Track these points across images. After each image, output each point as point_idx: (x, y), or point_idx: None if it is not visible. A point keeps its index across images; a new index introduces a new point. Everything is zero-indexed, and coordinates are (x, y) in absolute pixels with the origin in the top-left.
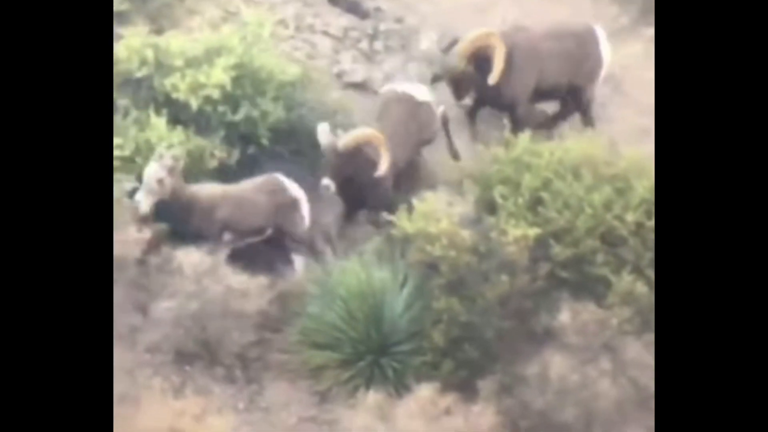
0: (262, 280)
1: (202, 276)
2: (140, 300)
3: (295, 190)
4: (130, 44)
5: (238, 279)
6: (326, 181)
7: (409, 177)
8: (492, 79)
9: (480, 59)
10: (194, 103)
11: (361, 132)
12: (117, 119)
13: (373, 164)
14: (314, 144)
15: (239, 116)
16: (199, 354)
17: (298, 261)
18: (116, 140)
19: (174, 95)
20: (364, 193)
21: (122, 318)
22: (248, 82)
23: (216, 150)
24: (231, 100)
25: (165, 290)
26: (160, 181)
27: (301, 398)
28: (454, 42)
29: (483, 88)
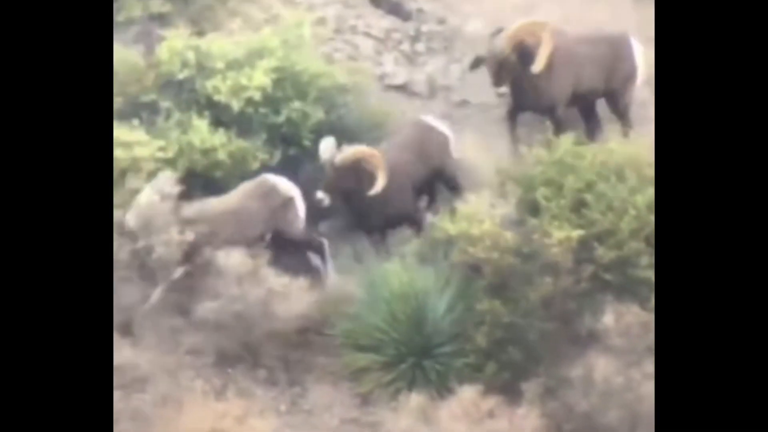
0: (303, 282)
1: (244, 278)
2: (182, 302)
3: (288, 188)
4: (172, 46)
5: (279, 281)
6: (320, 194)
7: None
8: (536, 67)
9: (524, 50)
10: (236, 105)
11: (359, 149)
12: (159, 121)
13: (371, 182)
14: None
15: (281, 118)
16: (241, 356)
17: (315, 259)
18: (159, 142)
19: (216, 97)
20: (364, 209)
21: (164, 320)
22: (290, 84)
23: (258, 152)
24: (272, 102)
25: (207, 292)
26: (150, 205)
27: (343, 400)
28: (500, 30)
29: (522, 82)
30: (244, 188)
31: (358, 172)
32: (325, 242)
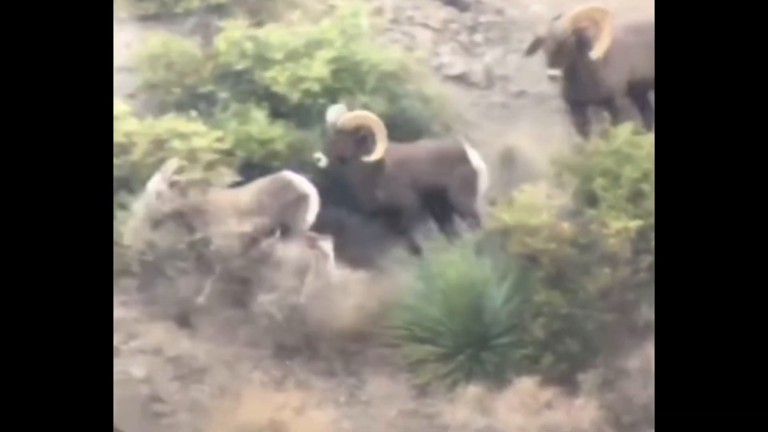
0: (362, 273)
1: (303, 269)
2: (240, 294)
3: (303, 185)
4: (230, 37)
5: (338, 272)
6: (318, 154)
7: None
8: (595, 53)
9: (583, 35)
10: (294, 96)
11: (363, 113)
12: (217, 112)
13: (370, 150)
14: (414, 136)
15: None
16: (299, 348)
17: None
18: (216, 133)
19: (274, 88)
20: (356, 180)
21: (223, 311)
22: (348, 74)
23: (316, 142)
24: (331, 92)
25: (265, 284)
26: (159, 194)
27: (400, 392)
28: (560, 16)
29: (579, 68)
30: (259, 183)
31: (358, 138)
32: (328, 240)
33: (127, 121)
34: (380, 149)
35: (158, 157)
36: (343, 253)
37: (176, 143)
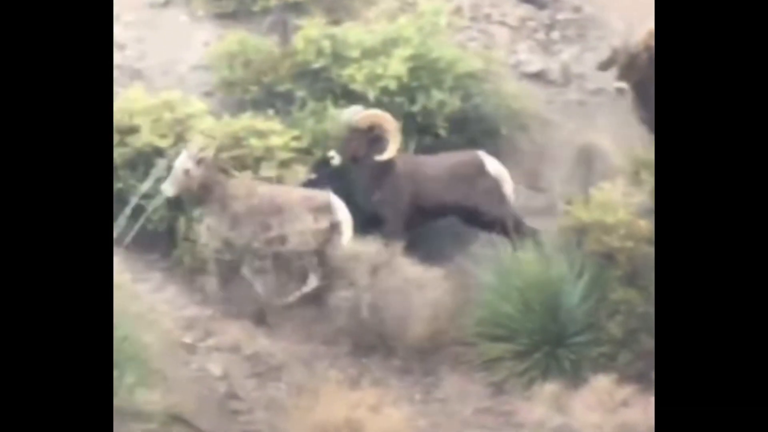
0: (437, 270)
1: (379, 267)
2: (317, 291)
3: (339, 209)
4: (308, 35)
5: (414, 270)
6: (332, 152)
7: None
8: None
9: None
10: (371, 94)
11: (378, 113)
12: (294, 110)
13: (382, 151)
14: (490, 134)
15: (416, 107)
16: (375, 346)
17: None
18: (293, 132)
19: (351, 86)
20: (360, 181)
21: (299, 310)
22: (425, 72)
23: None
24: (408, 90)
25: (342, 281)
26: (186, 172)
27: (476, 390)
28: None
29: (648, 85)
30: (304, 193)
31: (372, 137)
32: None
33: (204, 119)
34: (392, 149)
35: (234, 155)
36: (418, 250)
37: (253, 141)
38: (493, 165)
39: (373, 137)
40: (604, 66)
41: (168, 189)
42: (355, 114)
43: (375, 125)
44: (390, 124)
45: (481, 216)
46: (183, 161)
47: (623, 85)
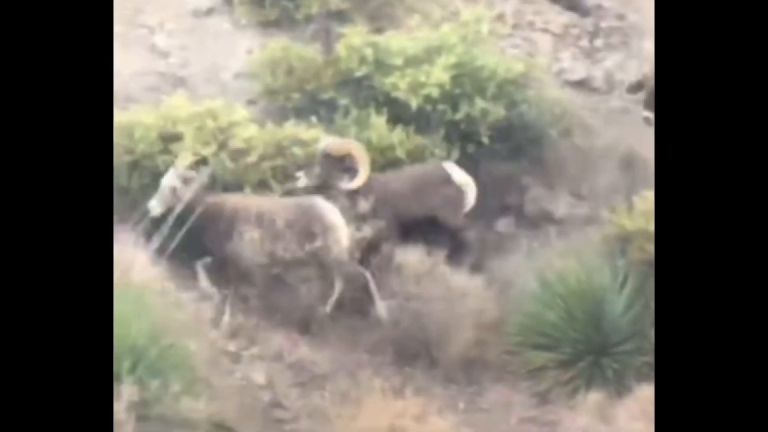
0: (480, 279)
1: (422, 276)
2: (361, 300)
3: (332, 215)
4: (350, 43)
5: (457, 279)
6: (300, 173)
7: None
8: None
9: None
10: (414, 102)
11: (348, 141)
12: (337, 118)
13: (351, 179)
14: (534, 141)
15: (459, 115)
16: (419, 354)
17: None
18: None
19: (394, 94)
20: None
21: (343, 319)
22: (468, 80)
23: (436, 149)
24: (451, 98)
25: (385, 290)
26: (173, 190)
27: (521, 399)
28: None
29: None
30: (292, 201)
31: (344, 165)
32: (368, 275)
33: (247, 127)
34: (361, 177)
35: (277, 163)
36: (462, 259)
37: (296, 149)
38: (459, 175)
39: (345, 165)
40: (633, 89)
41: (155, 207)
42: (327, 142)
43: (346, 154)
44: (361, 154)
45: (442, 225)
46: (170, 179)
47: (650, 115)
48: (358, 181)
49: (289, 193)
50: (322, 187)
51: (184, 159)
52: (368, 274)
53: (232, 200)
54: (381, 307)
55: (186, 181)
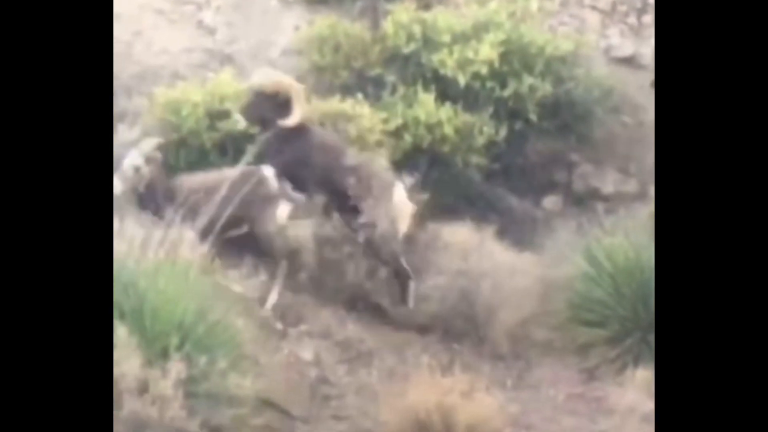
0: (528, 256)
1: (470, 252)
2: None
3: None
4: (398, 20)
5: (504, 255)
6: (237, 116)
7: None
8: None
9: None
10: (462, 79)
11: (283, 77)
12: (385, 95)
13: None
14: (581, 118)
15: (507, 92)
16: (467, 331)
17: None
18: (381, 115)
19: (442, 71)
20: (273, 144)
21: (392, 295)
22: (516, 57)
23: (484, 126)
24: (499, 75)
25: (432, 267)
26: (136, 169)
27: (568, 376)
28: None
29: None
30: (234, 171)
31: (278, 102)
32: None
33: None
34: (297, 114)
35: None
36: (509, 235)
37: (342, 125)
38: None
39: (279, 103)
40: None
41: (117, 186)
42: (259, 79)
43: (280, 90)
44: (295, 89)
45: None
46: (133, 158)
47: None
48: (294, 118)
49: None
50: (262, 127)
51: (151, 142)
52: (404, 262)
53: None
54: (411, 295)
55: (148, 161)
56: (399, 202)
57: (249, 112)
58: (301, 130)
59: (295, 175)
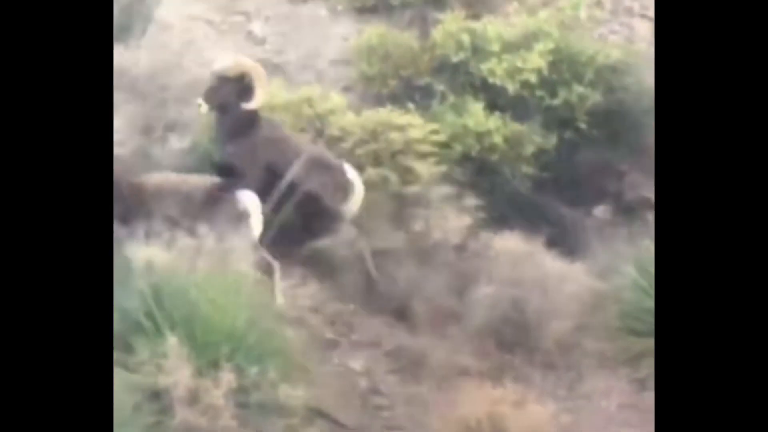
0: (579, 265)
1: (520, 262)
2: (459, 286)
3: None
4: (447, 29)
5: (555, 265)
6: (199, 100)
7: None
8: None
9: None
10: (511, 88)
11: (244, 60)
12: (434, 104)
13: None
14: (632, 128)
15: (557, 101)
16: (517, 340)
17: None
18: (432, 126)
19: (491, 80)
20: (233, 129)
21: (441, 304)
22: (566, 66)
23: (533, 135)
24: (548, 84)
25: (483, 276)
26: None
27: (620, 386)
28: None
29: None
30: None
31: (241, 86)
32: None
33: (344, 114)
34: (259, 98)
35: (372, 148)
36: (559, 244)
37: (393, 135)
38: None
39: (242, 87)
40: None
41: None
42: (220, 63)
43: (244, 74)
44: (257, 73)
45: (322, 209)
46: None
47: None
48: (257, 101)
49: None
50: (222, 111)
51: None
52: None
53: None
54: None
55: None
56: (352, 178)
57: (212, 96)
58: (253, 118)
59: (242, 162)
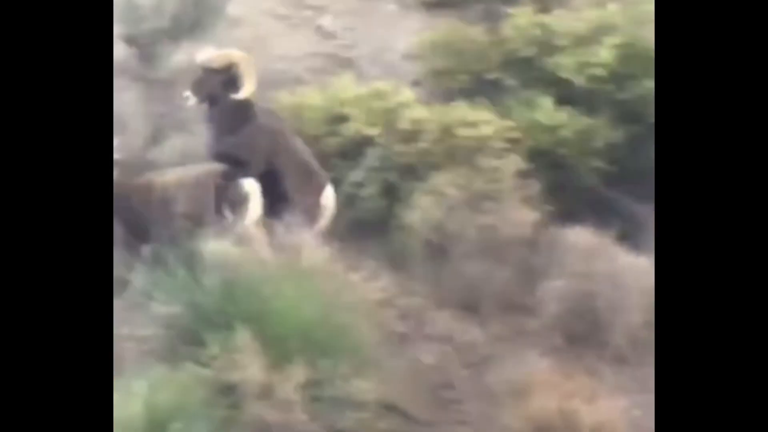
0: (649, 260)
1: (590, 255)
2: (529, 280)
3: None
4: (517, 23)
5: (627, 259)
6: (187, 93)
7: None
8: None
9: None
10: (581, 82)
11: (231, 52)
12: (504, 99)
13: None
14: None
15: (626, 95)
16: (589, 335)
17: None
18: (506, 122)
19: (560, 74)
20: (223, 122)
21: (511, 298)
22: (635, 60)
23: (603, 129)
24: (618, 78)
25: (554, 270)
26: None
27: None
28: None
29: None
30: (204, 168)
31: (228, 77)
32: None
33: (415, 108)
34: (248, 88)
35: (447, 145)
36: (630, 238)
37: (464, 131)
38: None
39: (229, 78)
40: None
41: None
42: (206, 54)
43: (230, 65)
44: (244, 63)
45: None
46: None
47: None
48: (245, 92)
49: None
50: (211, 103)
51: None
52: None
53: None
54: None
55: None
56: (326, 201)
57: (198, 88)
58: (247, 107)
59: (238, 151)
